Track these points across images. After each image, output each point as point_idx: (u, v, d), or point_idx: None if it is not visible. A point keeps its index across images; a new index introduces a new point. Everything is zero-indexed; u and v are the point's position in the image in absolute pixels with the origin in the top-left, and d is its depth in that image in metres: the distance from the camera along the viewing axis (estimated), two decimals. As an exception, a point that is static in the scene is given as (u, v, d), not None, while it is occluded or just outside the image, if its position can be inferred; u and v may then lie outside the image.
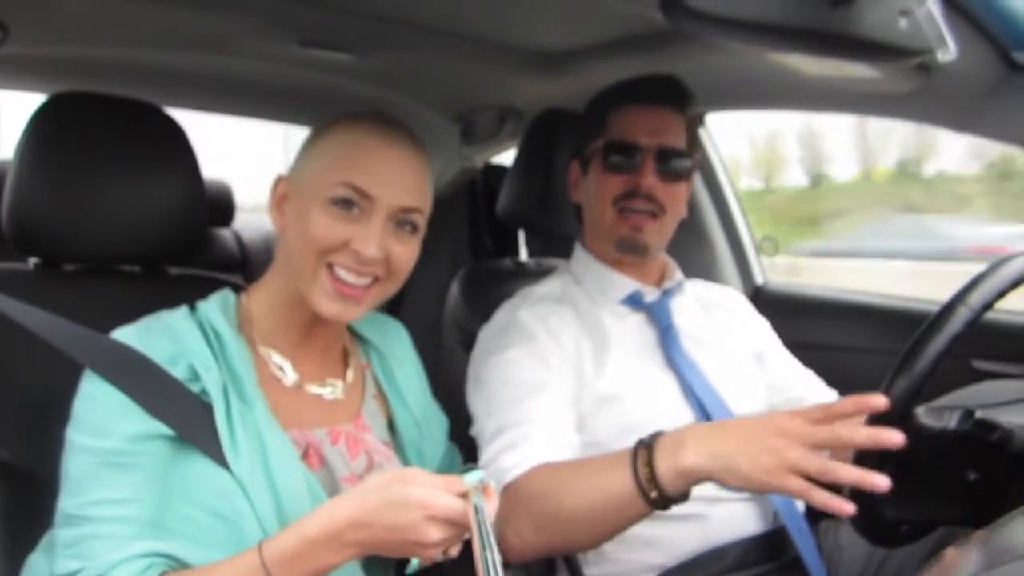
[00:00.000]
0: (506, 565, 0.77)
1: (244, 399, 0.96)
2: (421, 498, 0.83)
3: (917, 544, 1.08)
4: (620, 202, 1.33)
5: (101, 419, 0.90)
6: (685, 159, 1.35)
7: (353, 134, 1.01)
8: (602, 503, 1.03)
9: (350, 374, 1.12)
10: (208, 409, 0.93)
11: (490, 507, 0.83)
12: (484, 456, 1.21)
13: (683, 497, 1.00)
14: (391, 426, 1.16)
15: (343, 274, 0.98)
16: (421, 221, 1.04)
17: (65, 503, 0.90)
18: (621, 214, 1.33)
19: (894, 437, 0.85)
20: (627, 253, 1.36)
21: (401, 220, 1.01)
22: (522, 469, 1.13)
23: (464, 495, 0.83)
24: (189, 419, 0.92)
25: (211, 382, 0.94)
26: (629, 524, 1.04)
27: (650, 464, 0.98)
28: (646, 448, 1.00)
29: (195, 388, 0.94)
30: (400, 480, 0.85)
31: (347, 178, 0.97)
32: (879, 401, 0.88)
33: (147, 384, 0.91)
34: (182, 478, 0.91)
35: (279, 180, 1.05)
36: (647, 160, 1.32)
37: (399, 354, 1.21)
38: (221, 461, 0.92)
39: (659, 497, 0.98)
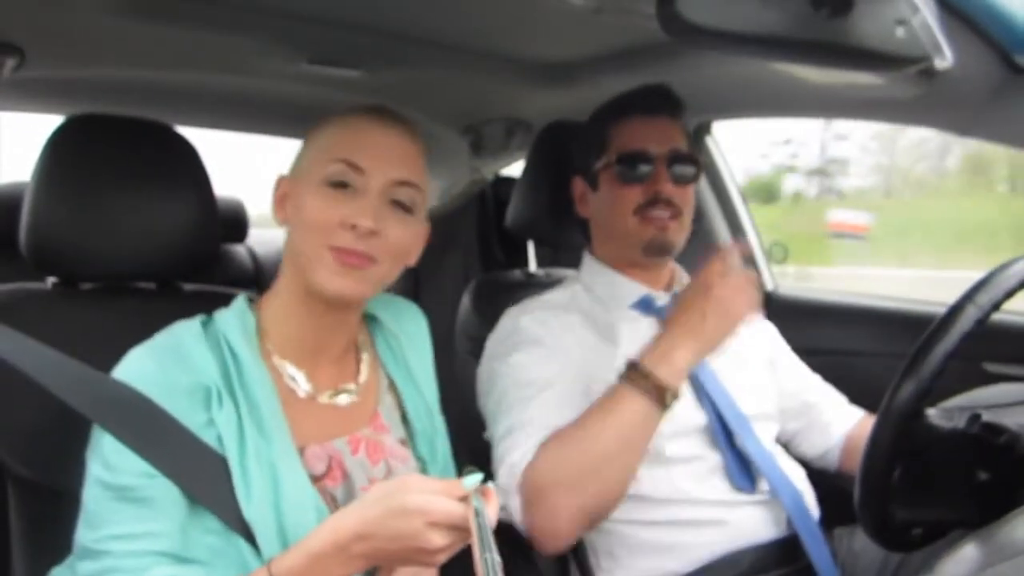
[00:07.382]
0: (507, 569, 0.77)
1: (262, 431, 0.95)
2: (420, 505, 0.83)
3: (932, 550, 1.07)
4: (641, 211, 1.34)
5: (109, 453, 0.90)
6: (693, 163, 1.37)
7: (344, 119, 1.03)
8: (626, 430, 1.15)
9: (364, 373, 1.11)
10: (221, 460, 0.92)
11: (490, 510, 0.83)
12: (495, 456, 1.23)
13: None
14: (404, 419, 1.14)
15: (345, 246, 0.97)
16: (418, 199, 1.03)
17: (83, 536, 0.90)
18: (643, 221, 1.34)
19: None
20: (654, 255, 1.37)
21: (396, 197, 1.00)
22: (530, 455, 1.17)
23: (464, 499, 0.83)
24: (197, 472, 0.91)
25: (224, 424, 0.93)
26: (648, 439, 1.17)
27: (651, 380, 1.15)
28: (638, 374, 1.16)
29: (210, 416, 0.93)
30: (399, 489, 0.85)
31: (339, 155, 0.98)
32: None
33: (151, 435, 0.90)
34: (196, 507, 0.91)
35: (280, 180, 1.06)
36: (661, 167, 1.33)
37: (413, 333, 1.19)
38: (232, 513, 0.91)
39: (673, 398, 1.16)
